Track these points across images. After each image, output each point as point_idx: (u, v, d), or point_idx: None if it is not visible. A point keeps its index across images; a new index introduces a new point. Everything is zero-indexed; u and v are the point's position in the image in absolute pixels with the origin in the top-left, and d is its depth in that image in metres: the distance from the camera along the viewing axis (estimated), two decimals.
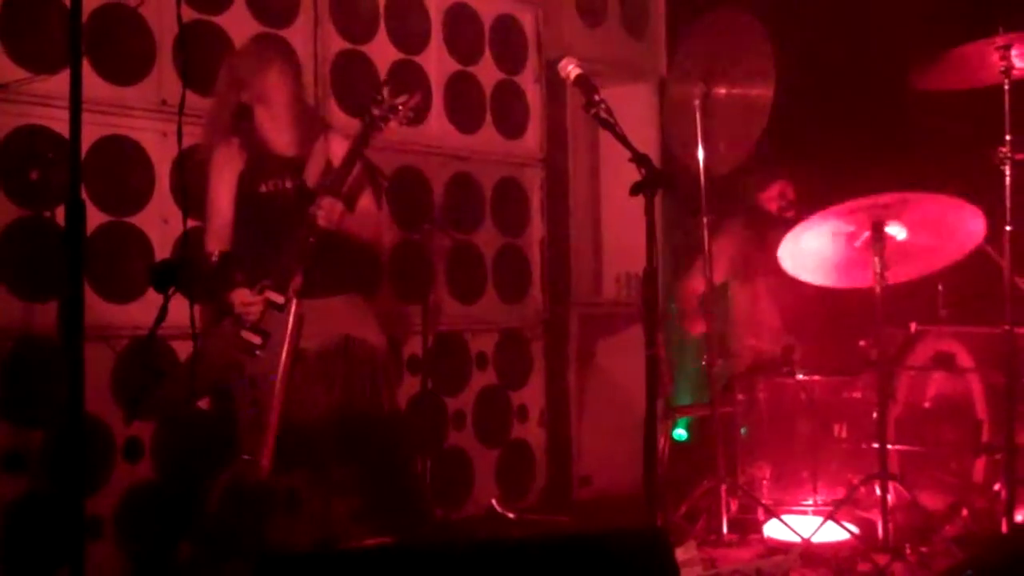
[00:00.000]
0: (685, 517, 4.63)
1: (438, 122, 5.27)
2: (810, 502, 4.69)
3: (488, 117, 5.47)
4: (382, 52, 5.07)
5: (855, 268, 4.42)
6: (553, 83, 5.59)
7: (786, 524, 4.45)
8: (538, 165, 5.65)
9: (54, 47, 3.97)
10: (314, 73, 4.76)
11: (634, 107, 5.92)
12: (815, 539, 4.33)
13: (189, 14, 4.33)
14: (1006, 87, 4.11)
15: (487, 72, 5.48)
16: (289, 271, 3.80)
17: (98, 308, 4.08)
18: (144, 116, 4.28)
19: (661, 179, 3.34)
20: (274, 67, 4.02)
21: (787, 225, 4.59)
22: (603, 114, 3.39)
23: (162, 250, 4.29)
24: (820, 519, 4.40)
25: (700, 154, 4.74)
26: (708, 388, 4.84)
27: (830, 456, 4.76)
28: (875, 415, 4.36)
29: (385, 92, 3.92)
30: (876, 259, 4.26)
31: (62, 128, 3.81)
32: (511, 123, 5.56)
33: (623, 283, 6.10)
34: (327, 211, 3.81)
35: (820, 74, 5.81)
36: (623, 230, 6.00)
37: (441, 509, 5.07)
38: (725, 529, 4.65)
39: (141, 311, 4.14)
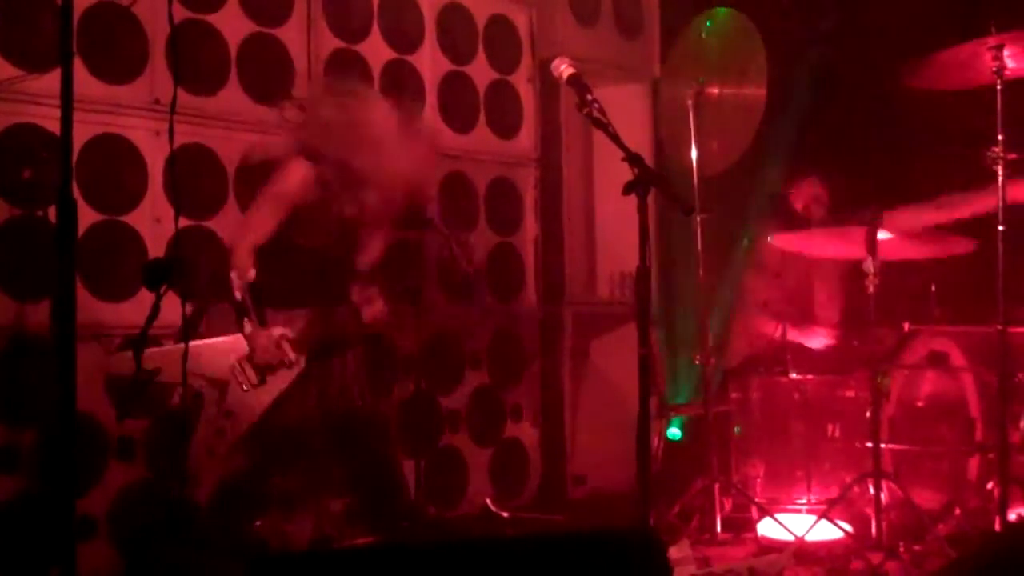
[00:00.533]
0: (679, 516, 4.64)
1: (431, 121, 5.26)
2: (804, 501, 4.71)
3: (482, 117, 5.46)
4: (376, 51, 5.07)
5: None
6: (547, 83, 5.59)
7: (780, 523, 4.46)
8: (532, 165, 5.65)
9: (46, 45, 3.97)
10: (307, 72, 4.75)
11: (627, 107, 5.92)
12: (808, 538, 4.34)
13: (182, 13, 4.32)
14: (999, 87, 4.12)
15: (481, 72, 5.48)
16: (311, 337, 3.89)
17: (91, 307, 4.08)
18: (137, 115, 4.27)
19: (654, 178, 3.35)
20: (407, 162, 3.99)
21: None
22: (596, 114, 3.40)
23: (155, 249, 4.28)
24: (814, 518, 4.41)
25: (694, 154, 4.74)
26: (702, 387, 4.85)
27: (824, 455, 4.77)
28: (868, 414, 4.37)
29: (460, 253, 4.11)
30: (869, 260, 4.27)
31: (54, 127, 3.78)
32: (505, 123, 5.56)
33: (617, 282, 6.10)
34: (374, 311, 3.95)
35: (812, 73, 5.82)
36: (616, 229, 5.99)
37: (435, 508, 5.07)
38: (719, 528, 4.66)
39: (134, 310, 4.13)
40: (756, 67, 4.80)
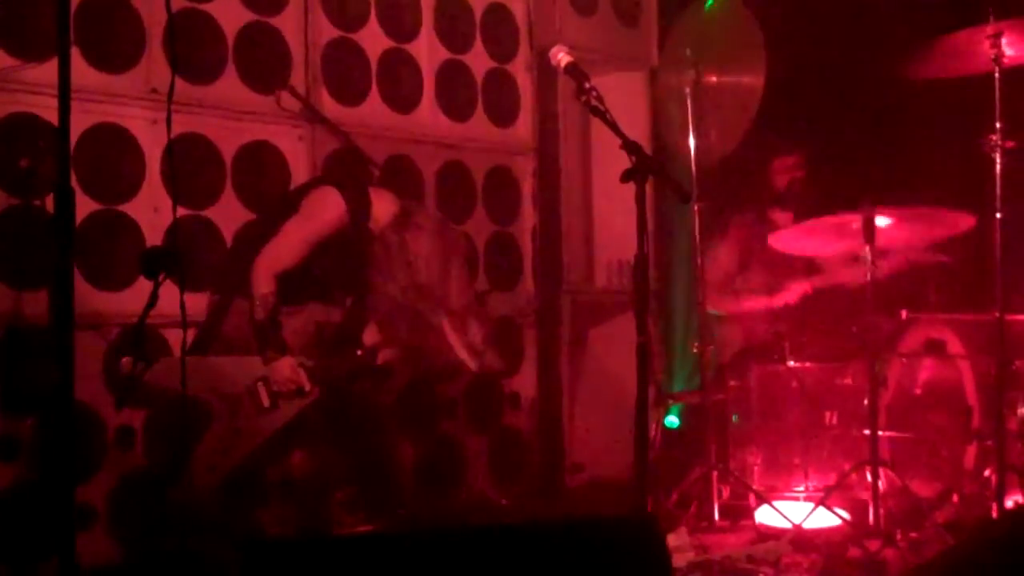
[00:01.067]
0: (677, 503, 4.65)
1: (429, 111, 5.26)
2: (801, 488, 4.72)
3: (479, 106, 5.45)
4: (373, 40, 5.06)
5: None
6: (544, 71, 5.58)
7: (777, 510, 4.47)
8: (529, 153, 5.64)
9: (43, 35, 3.96)
10: (305, 62, 4.75)
11: (625, 95, 5.91)
12: (806, 525, 4.35)
13: (179, 2, 4.32)
14: (996, 75, 4.11)
15: (478, 61, 5.47)
16: (327, 370, 3.95)
17: (88, 296, 4.08)
18: (134, 104, 4.26)
19: (652, 166, 3.35)
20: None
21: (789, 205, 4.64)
22: (594, 102, 3.40)
23: (153, 238, 4.27)
24: (811, 505, 4.42)
25: (692, 142, 4.74)
26: (699, 375, 4.85)
27: (821, 442, 4.78)
28: (866, 402, 4.38)
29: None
30: (867, 248, 4.27)
31: (51, 116, 3.77)
32: (502, 111, 5.55)
33: (615, 271, 6.10)
34: (387, 354, 4.02)
35: (810, 61, 5.80)
36: (614, 217, 5.98)
37: (433, 496, 5.08)
38: (716, 515, 4.67)
39: (132, 299, 4.13)
40: (754, 55, 4.79)
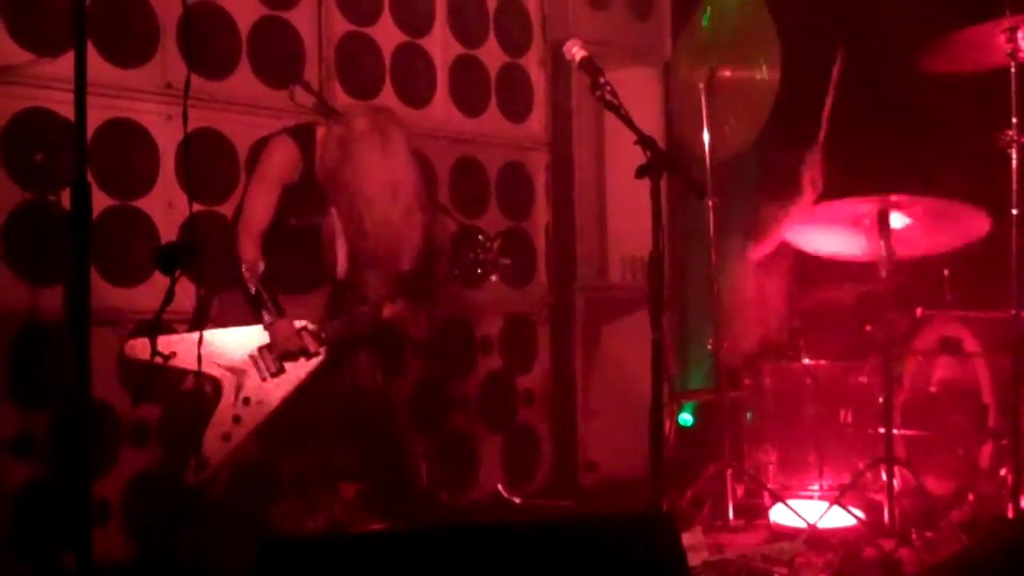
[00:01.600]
0: (691, 502, 4.63)
1: (443, 106, 5.25)
2: (816, 487, 4.70)
3: (493, 100, 5.45)
4: (387, 35, 5.05)
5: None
6: (558, 66, 5.56)
7: (792, 509, 4.45)
8: (543, 148, 5.63)
9: (58, 29, 3.96)
10: (319, 56, 4.74)
11: (639, 90, 5.89)
12: (821, 524, 4.32)
13: None
14: (1012, 70, 4.09)
15: (492, 55, 5.46)
16: (332, 329, 3.93)
17: (104, 292, 4.08)
18: (149, 99, 4.26)
19: (667, 162, 3.33)
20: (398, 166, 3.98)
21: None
22: (608, 96, 3.38)
23: (167, 233, 4.28)
24: (826, 504, 4.40)
25: (706, 136, 4.73)
26: (714, 372, 4.84)
27: (836, 441, 4.76)
28: (881, 400, 4.36)
29: (495, 245, 4.01)
30: (882, 244, 4.25)
31: (66, 111, 3.79)
32: (516, 106, 5.54)
33: (628, 267, 6.09)
34: (394, 309, 3.99)
35: (826, 55, 5.77)
36: (628, 213, 5.97)
37: (447, 494, 5.08)
38: (731, 514, 4.66)
39: (147, 295, 4.14)
40: (769, 50, 4.77)
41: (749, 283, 5.30)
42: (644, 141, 3.29)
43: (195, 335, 3.68)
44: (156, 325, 3.30)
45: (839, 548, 4.15)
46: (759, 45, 4.81)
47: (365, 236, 3.92)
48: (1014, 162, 4.09)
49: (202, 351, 3.54)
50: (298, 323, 3.90)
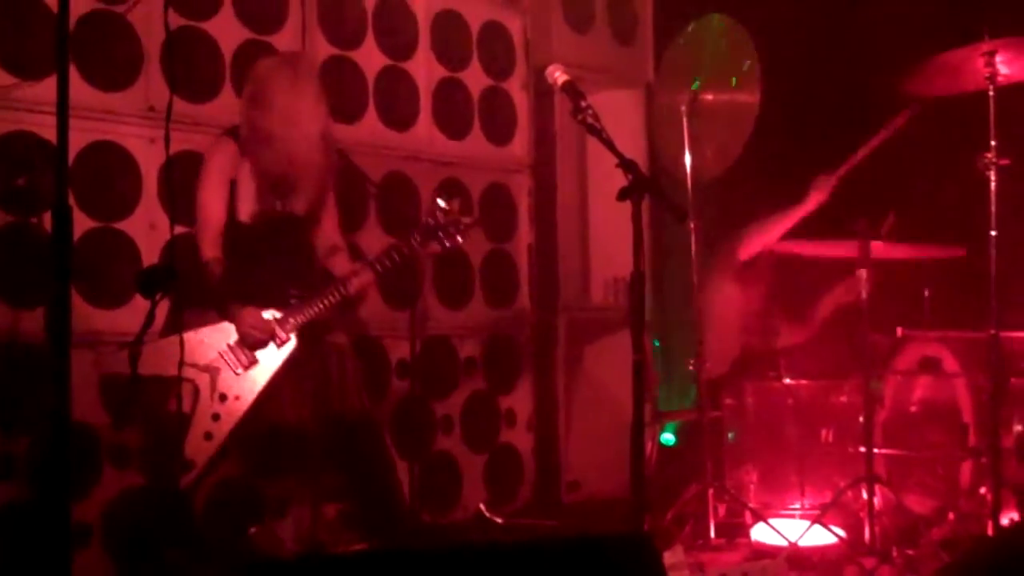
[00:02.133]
0: (673, 521, 4.64)
1: (426, 128, 5.27)
2: (797, 506, 4.71)
3: (476, 123, 5.47)
4: (370, 58, 5.08)
5: None
6: (541, 89, 5.60)
7: (773, 528, 4.46)
8: (526, 171, 5.66)
9: (41, 53, 3.97)
10: None
11: (621, 113, 5.93)
12: (802, 543, 4.34)
13: (176, 20, 4.33)
14: (991, 93, 4.13)
15: (475, 78, 5.49)
16: (300, 313, 3.93)
17: (85, 314, 4.08)
18: (131, 122, 4.27)
19: (648, 185, 3.36)
20: (309, 93, 4.03)
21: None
22: (590, 120, 3.41)
23: (149, 256, 4.28)
24: (807, 523, 4.41)
25: (687, 159, 4.76)
26: (695, 392, 4.85)
27: (817, 460, 4.77)
28: (861, 419, 4.38)
29: (454, 206, 4.05)
30: (862, 271, 4.31)
31: (49, 134, 3.78)
32: (499, 129, 5.57)
33: (611, 288, 6.11)
34: (361, 281, 3.97)
35: (806, 79, 5.83)
36: (610, 235, 6.00)
37: (429, 514, 5.07)
38: (712, 533, 4.66)
39: (128, 317, 4.13)
40: (749, 74, 4.81)
41: (730, 291, 5.35)
42: (625, 164, 3.31)
43: (168, 340, 3.69)
44: (137, 347, 3.30)
45: (820, 567, 4.17)
46: (741, 69, 4.85)
47: (276, 152, 3.94)
48: (992, 184, 4.13)
49: (173, 355, 3.56)
50: (265, 313, 3.90)
